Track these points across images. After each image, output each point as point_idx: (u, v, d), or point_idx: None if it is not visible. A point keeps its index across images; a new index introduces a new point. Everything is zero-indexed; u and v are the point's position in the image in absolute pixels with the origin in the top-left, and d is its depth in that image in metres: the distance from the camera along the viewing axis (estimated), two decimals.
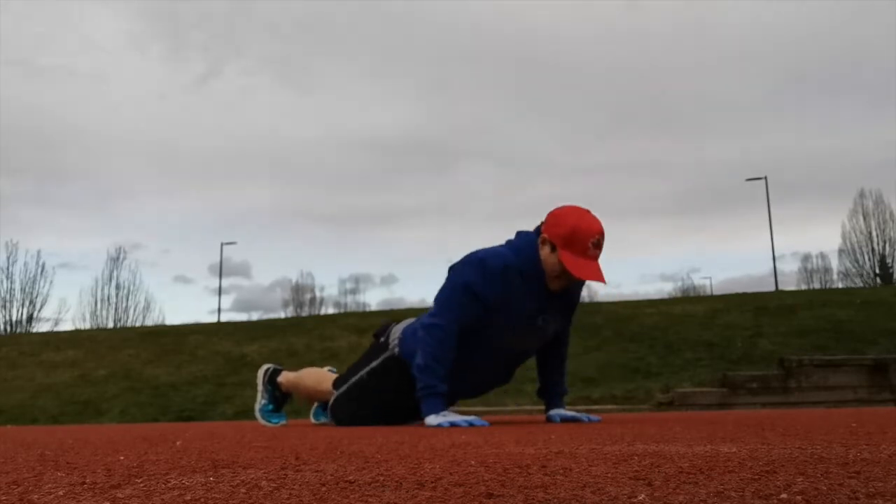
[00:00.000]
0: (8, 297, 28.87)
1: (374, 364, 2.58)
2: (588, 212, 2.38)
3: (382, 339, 2.63)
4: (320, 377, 2.81)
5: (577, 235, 2.29)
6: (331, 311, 33.68)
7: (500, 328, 2.39)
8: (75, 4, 40.87)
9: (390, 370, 2.53)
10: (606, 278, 2.31)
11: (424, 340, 2.35)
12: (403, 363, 2.48)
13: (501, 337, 2.42)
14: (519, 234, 2.47)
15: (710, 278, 51.27)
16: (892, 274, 29.81)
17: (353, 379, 2.60)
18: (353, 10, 43.30)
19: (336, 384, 2.66)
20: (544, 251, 2.35)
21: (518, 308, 2.37)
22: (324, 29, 43.63)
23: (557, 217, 2.36)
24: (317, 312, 32.99)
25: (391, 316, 14.93)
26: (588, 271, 2.30)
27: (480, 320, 2.36)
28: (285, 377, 2.88)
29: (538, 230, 2.40)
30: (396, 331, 2.58)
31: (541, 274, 2.36)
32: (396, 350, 2.52)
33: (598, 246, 2.33)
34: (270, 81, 44.23)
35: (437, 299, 2.40)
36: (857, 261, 30.55)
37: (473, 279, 2.33)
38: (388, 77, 44.69)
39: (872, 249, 30.37)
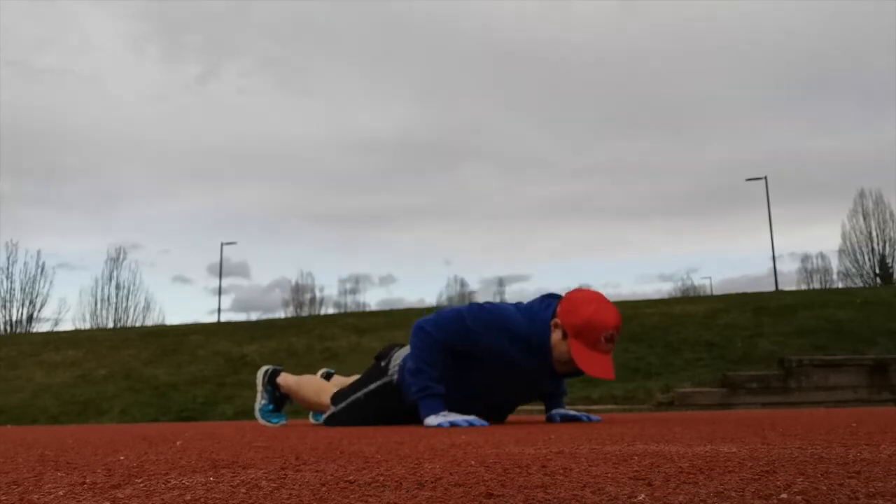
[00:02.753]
0: (8, 297, 28.92)
1: (371, 387, 2.59)
2: (606, 301, 2.32)
3: (383, 364, 2.63)
4: (319, 388, 2.82)
5: (590, 328, 2.23)
6: (331, 311, 33.72)
7: (489, 375, 2.37)
8: (74, 6, 40.90)
9: (387, 395, 2.53)
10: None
11: (414, 344, 2.36)
12: (399, 392, 2.49)
13: (490, 382, 2.40)
14: (543, 300, 2.41)
15: (710, 278, 51.26)
16: (892, 274, 29.81)
17: (351, 398, 2.61)
18: (351, 10, 43.33)
19: (334, 400, 2.67)
20: (556, 336, 2.30)
21: (511, 368, 2.34)
22: (323, 29, 43.65)
23: (574, 303, 2.30)
24: (317, 312, 33.00)
25: (391, 316, 14.95)
26: (597, 367, 2.24)
27: (469, 355, 2.33)
28: (285, 380, 2.89)
29: (554, 311, 2.33)
30: (397, 357, 2.57)
31: (549, 354, 2.31)
32: (395, 378, 2.53)
33: (612, 340, 2.27)
34: (269, 82, 44.27)
35: (444, 315, 2.38)
36: (857, 261, 30.58)
37: (474, 323, 2.30)
38: (388, 77, 44.73)
39: (872, 249, 30.39)
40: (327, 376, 3.16)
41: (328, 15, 43.29)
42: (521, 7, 42.54)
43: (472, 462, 0.97)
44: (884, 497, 0.62)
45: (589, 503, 0.63)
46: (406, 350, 2.55)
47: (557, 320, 2.29)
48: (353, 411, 2.58)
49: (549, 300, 2.39)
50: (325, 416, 2.69)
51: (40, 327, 28.73)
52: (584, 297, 2.33)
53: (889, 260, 30.27)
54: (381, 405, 2.55)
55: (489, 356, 2.31)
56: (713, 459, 0.95)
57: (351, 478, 0.83)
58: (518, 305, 2.43)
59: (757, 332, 11.06)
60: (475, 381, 2.38)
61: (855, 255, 30.64)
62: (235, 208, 43.77)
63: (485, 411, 2.44)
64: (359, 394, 2.60)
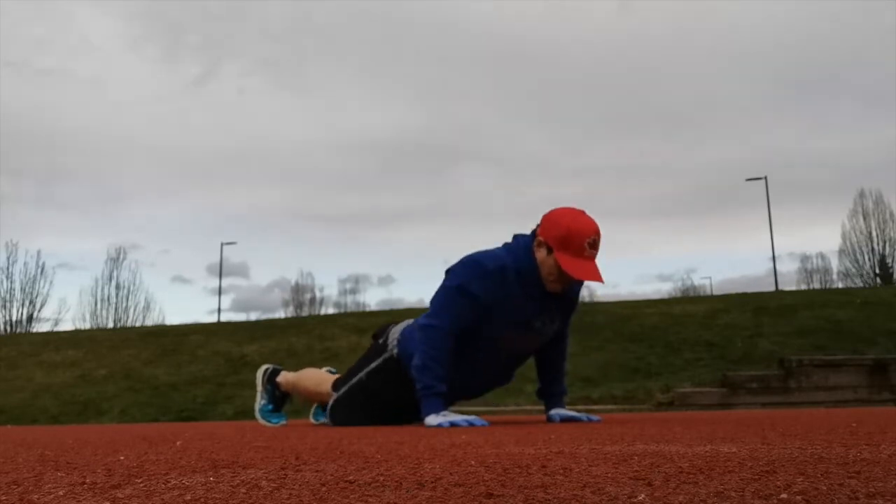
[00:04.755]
0: (8, 297, 28.90)
1: (372, 365, 2.58)
2: (583, 212, 2.37)
3: (381, 341, 2.63)
4: (319, 378, 2.81)
5: (572, 236, 2.28)
6: (331, 311, 33.71)
7: (497, 329, 2.39)
8: (73, 6, 40.90)
9: (389, 371, 2.53)
10: (604, 277, 2.31)
11: (421, 341, 2.35)
12: (402, 364, 2.48)
13: (499, 338, 2.42)
14: (515, 237, 2.47)
15: (710, 278, 51.25)
16: (892, 274, 29.80)
17: (353, 381, 2.60)
18: (351, 10, 43.32)
19: (335, 386, 2.66)
20: (540, 254, 2.35)
21: (515, 309, 2.37)
22: (323, 30, 43.64)
23: (552, 219, 2.36)
24: (317, 312, 32.99)
25: (391, 316, 14.94)
26: (585, 271, 2.29)
27: (477, 321, 2.36)
28: (284, 377, 2.88)
29: (534, 233, 2.40)
30: (395, 332, 2.58)
31: (538, 276, 2.36)
32: (395, 351, 2.52)
33: (595, 246, 2.32)
34: (268, 83, 44.25)
35: (433, 301, 2.40)
36: (857, 261, 30.56)
37: (469, 280, 2.33)
38: (386, 77, 44.71)
39: (872, 249, 30.37)
40: None
41: (328, 15, 43.31)
42: (520, 7, 42.55)
43: (472, 462, 0.97)
44: (884, 497, 0.62)
45: (589, 503, 0.63)
46: (403, 324, 2.58)
47: (540, 238, 2.35)
48: (356, 392, 2.57)
49: (520, 236, 2.45)
50: (329, 404, 2.67)
51: (40, 327, 28.74)
52: (561, 211, 2.38)
53: (889, 260, 30.26)
54: (384, 382, 2.54)
55: (492, 307, 2.34)
56: (713, 459, 0.95)
57: (351, 478, 0.83)
58: (505, 246, 2.46)
59: (757, 332, 11.06)
60: (483, 346, 2.41)
61: (855, 255, 30.65)
62: (235, 208, 43.81)
63: (496, 371, 2.52)
64: (360, 374, 2.59)
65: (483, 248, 2.44)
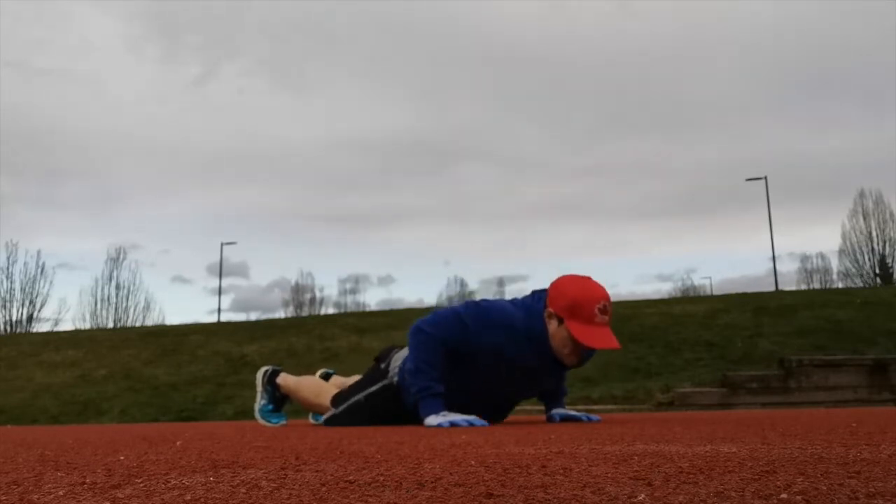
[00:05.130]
0: (8, 297, 28.93)
1: (372, 389, 2.59)
2: (589, 279, 2.34)
3: (383, 366, 2.63)
4: (319, 389, 2.82)
5: (581, 303, 2.23)
6: (331, 311, 33.71)
7: (488, 372, 2.37)
8: (73, 6, 40.90)
9: (387, 398, 2.53)
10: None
11: (412, 345, 2.36)
12: (400, 393, 2.48)
13: (489, 379, 2.40)
14: (534, 294, 2.42)
15: (710, 278, 51.20)
16: (892, 274, 29.81)
17: (351, 401, 2.61)
18: (350, 11, 43.33)
19: (334, 402, 2.66)
20: (552, 326, 2.29)
21: (510, 363, 2.34)
22: (322, 30, 43.65)
23: (559, 288, 2.32)
24: (317, 312, 33.00)
25: (391, 316, 14.94)
26: (599, 339, 2.23)
27: (468, 353, 2.33)
28: (284, 380, 2.88)
29: (544, 302, 2.34)
30: (397, 359, 2.57)
31: (546, 346, 2.31)
32: (395, 379, 2.53)
33: (606, 311, 2.27)
34: (267, 83, 44.27)
35: (436, 311, 2.40)
36: (857, 261, 30.56)
37: (471, 321, 2.30)
38: (387, 77, 44.72)
39: (872, 249, 30.38)
40: (326, 376, 3.16)
41: (328, 15, 43.32)
42: (520, 7, 42.56)
43: (472, 462, 0.97)
44: (884, 497, 0.62)
45: (589, 503, 0.63)
46: (405, 351, 2.55)
47: (549, 310, 2.30)
48: (353, 413, 2.58)
49: (540, 293, 2.40)
50: (324, 417, 2.69)
51: (40, 327, 28.76)
52: (567, 279, 2.35)
53: (889, 260, 30.26)
54: (381, 407, 2.54)
55: (488, 353, 2.31)
56: (713, 459, 0.95)
57: (351, 478, 0.83)
58: (513, 301, 2.43)
59: (757, 332, 11.06)
60: (474, 379, 2.38)
61: (855, 255, 30.66)
62: (235, 208, 43.78)
63: (485, 409, 2.43)
64: (359, 396, 2.60)
65: (503, 301, 2.42)
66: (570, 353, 2.29)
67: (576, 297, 2.25)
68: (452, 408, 2.31)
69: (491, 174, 45.62)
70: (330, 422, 2.63)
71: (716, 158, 41.03)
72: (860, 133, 40.45)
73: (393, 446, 1.32)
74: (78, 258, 55.32)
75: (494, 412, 2.55)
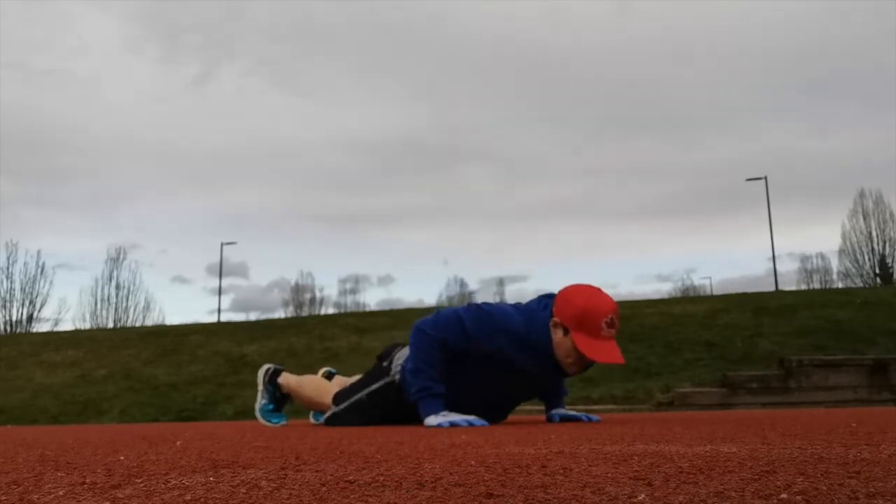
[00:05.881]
0: (8, 297, 28.93)
1: (374, 387, 2.58)
2: (599, 290, 2.31)
3: (385, 364, 2.63)
4: (320, 388, 2.82)
5: (589, 316, 2.22)
6: (331, 311, 33.71)
7: (488, 375, 2.37)
8: (72, 7, 40.90)
9: (388, 397, 2.53)
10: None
11: (413, 344, 2.36)
12: (401, 392, 2.48)
13: (489, 382, 2.40)
14: (541, 300, 2.40)
15: (710, 278, 51.19)
16: (892, 274, 29.80)
17: (353, 399, 2.60)
18: (351, 10, 43.32)
19: (336, 400, 2.66)
20: (557, 335, 2.28)
21: (510, 368, 2.33)
22: (321, 30, 43.63)
23: (567, 298, 2.29)
24: (317, 312, 33.00)
25: (391, 316, 14.94)
26: (604, 353, 2.22)
27: (468, 356, 2.32)
28: (286, 379, 2.88)
29: (551, 311, 2.32)
30: (399, 357, 2.57)
31: (547, 353, 2.30)
32: (397, 377, 2.52)
33: (613, 325, 2.25)
34: (267, 83, 44.26)
35: (438, 312, 2.40)
36: (857, 261, 30.56)
37: (472, 324, 2.29)
38: (387, 77, 44.72)
39: (872, 249, 30.38)
40: (329, 376, 3.16)
41: (327, 15, 43.31)
42: (519, 8, 42.55)
43: (472, 462, 0.97)
44: (884, 497, 0.62)
45: (589, 503, 0.63)
46: (408, 350, 2.55)
47: (556, 319, 2.28)
48: (354, 411, 2.58)
49: (547, 300, 2.38)
50: (326, 415, 2.69)
51: (40, 327, 28.76)
52: (576, 289, 2.32)
53: (889, 260, 30.26)
54: (383, 405, 2.54)
55: (488, 357, 2.31)
56: (713, 459, 0.95)
57: (351, 478, 0.83)
58: (517, 306, 2.43)
59: (757, 332, 11.06)
60: (474, 382, 2.38)
61: (855, 255, 30.65)
62: (235, 208, 43.77)
63: (485, 410, 2.43)
64: (361, 394, 2.60)
65: (506, 306, 2.40)
66: (572, 362, 2.29)
67: (584, 308, 2.23)
68: (452, 408, 2.31)
69: (491, 174, 45.66)
70: (331, 420, 2.63)
71: (716, 158, 41.06)
72: (860, 133, 40.46)
73: (393, 446, 1.32)
74: (78, 258, 55.38)
75: (494, 413, 2.55)
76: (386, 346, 2.77)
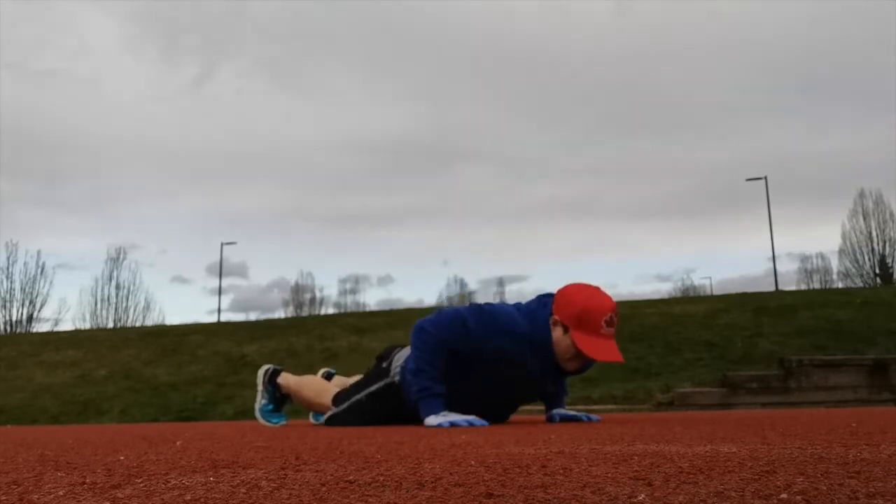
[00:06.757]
0: (8, 297, 28.92)
1: (373, 388, 2.58)
2: (598, 289, 2.32)
3: (385, 364, 2.62)
4: (320, 389, 2.81)
5: (588, 314, 2.23)
6: (330, 311, 33.71)
7: (490, 375, 2.36)
8: (72, 7, 40.90)
9: (389, 398, 2.53)
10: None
11: (414, 344, 2.35)
12: (401, 393, 2.48)
13: (491, 382, 2.39)
14: (540, 299, 2.41)
15: (710, 278, 51.14)
16: (892, 274, 29.80)
17: (352, 400, 2.60)
18: (350, 10, 43.31)
19: (336, 401, 2.66)
20: (556, 333, 2.29)
21: (512, 368, 2.33)
22: (321, 30, 43.64)
23: (567, 296, 2.30)
24: (317, 312, 32.99)
25: (391, 316, 14.94)
26: (604, 351, 2.23)
27: (470, 356, 2.32)
28: (285, 380, 2.88)
29: (550, 309, 2.33)
30: (399, 358, 2.57)
31: (549, 352, 2.30)
32: (397, 378, 2.52)
33: (612, 323, 2.26)
34: (266, 83, 44.26)
35: (439, 312, 2.39)
36: (857, 261, 30.56)
37: (474, 324, 2.29)
38: (386, 77, 44.71)
39: (872, 249, 30.37)
40: (328, 376, 3.16)
41: (326, 15, 43.32)
42: (519, 7, 42.54)
43: (472, 462, 0.97)
44: (884, 497, 0.62)
45: (589, 503, 0.63)
46: (407, 350, 2.55)
47: (555, 317, 2.29)
48: (354, 412, 2.57)
49: (546, 299, 2.39)
50: (325, 416, 2.69)
51: (40, 327, 28.76)
52: (576, 288, 2.33)
53: (889, 260, 30.26)
54: (382, 406, 2.54)
55: (490, 357, 2.31)
56: (713, 459, 0.95)
57: (351, 478, 0.83)
58: (517, 306, 2.43)
59: (757, 332, 11.06)
60: (476, 382, 2.37)
61: (855, 255, 30.65)
62: (235, 208, 43.76)
63: (485, 411, 2.43)
64: (360, 395, 2.59)
65: (507, 306, 2.41)
66: (571, 360, 2.30)
67: (583, 306, 2.24)
68: (453, 408, 2.31)
69: (491, 174, 45.66)
70: (331, 420, 2.63)
71: (715, 158, 41.05)
72: (860, 133, 40.45)
73: (393, 446, 1.32)
74: (78, 258, 55.38)
75: (495, 414, 2.55)
76: (385, 347, 2.77)
